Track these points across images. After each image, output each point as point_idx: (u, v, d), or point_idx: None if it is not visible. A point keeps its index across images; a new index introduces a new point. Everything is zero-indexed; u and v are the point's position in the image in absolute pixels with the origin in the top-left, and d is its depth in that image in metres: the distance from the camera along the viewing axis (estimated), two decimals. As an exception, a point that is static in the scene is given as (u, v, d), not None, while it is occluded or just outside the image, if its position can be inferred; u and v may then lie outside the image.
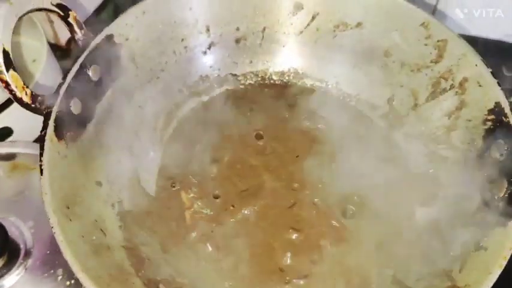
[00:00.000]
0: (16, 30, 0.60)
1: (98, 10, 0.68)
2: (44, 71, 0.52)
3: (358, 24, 0.50)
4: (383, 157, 0.47)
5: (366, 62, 0.51)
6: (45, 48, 0.54)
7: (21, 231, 0.44)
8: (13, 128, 0.53)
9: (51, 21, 0.61)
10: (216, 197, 0.46)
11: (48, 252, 0.43)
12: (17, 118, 0.53)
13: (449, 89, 0.45)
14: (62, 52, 0.61)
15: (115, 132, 0.45)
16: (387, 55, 0.49)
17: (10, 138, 0.53)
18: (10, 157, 0.49)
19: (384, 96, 0.50)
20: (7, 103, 0.53)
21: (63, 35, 0.62)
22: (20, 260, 0.42)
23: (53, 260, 0.42)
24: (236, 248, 0.42)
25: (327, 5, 0.50)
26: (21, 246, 0.43)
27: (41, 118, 0.55)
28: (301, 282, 0.41)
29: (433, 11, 0.59)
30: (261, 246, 0.43)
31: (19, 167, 0.49)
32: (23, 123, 0.53)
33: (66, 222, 0.35)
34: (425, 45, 0.46)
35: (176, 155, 0.48)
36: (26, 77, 0.55)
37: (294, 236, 0.43)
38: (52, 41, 0.62)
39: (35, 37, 0.57)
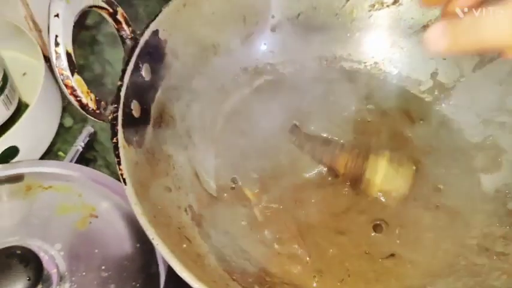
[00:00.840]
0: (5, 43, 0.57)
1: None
2: (44, 84, 0.51)
3: (395, 2, 0.49)
4: (435, 131, 0.47)
5: (404, 39, 0.50)
6: (42, 60, 0.53)
7: (50, 255, 0.41)
8: (19, 147, 0.51)
9: (39, 31, 0.57)
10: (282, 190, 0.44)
11: (83, 273, 0.40)
12: (22, 136, 0.51)
13: (498, 57, 0.46)
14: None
15: (170, 134, 0.42)
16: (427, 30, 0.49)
17: (16, 158, 0.51)
18: (19, 178, 0.47)
19: (427, 71, 0.50)
20: (11, 120, 0.52)
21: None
22: (55, 286, 0.39)
23: (91, 280, 0.40)
24: (319, 243, 0.41)
25: (361, -16, 0.49)
26: (54, 271, 0.40)
27: (45, 135, 0.54)
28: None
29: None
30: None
31: (33, 187, 0.46)
32: (29, 141, 0.52)
33: (161, 232, 0.32)
34: (468, 16, 0.47)
35: (229, 151, 0.46)
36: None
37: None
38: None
39: (23, 50, 0.57)
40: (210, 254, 0.37)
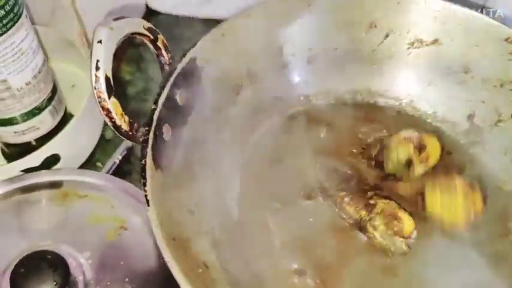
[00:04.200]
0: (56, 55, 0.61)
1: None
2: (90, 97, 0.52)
3: (435, 41, 0.49)
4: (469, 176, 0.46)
5: (442, 79, 0.50)
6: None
7: (78, 262, 0.42)
8: (61, 155, 0.52)
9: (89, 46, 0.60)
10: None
11: (108, 283, 0.42)
12: (64, 145, 0.52)
13: (538, 104, 0.45)
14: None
15: (199, 158, 0.43)
16: (466, 71, 0.49)
17: (57, 166, 0.52)
18: (57, 185, 0.49)
19: (464, 113, 0.49)
20: (54, 131, 0.53)
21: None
22: None
23: None
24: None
25: (401, 22, 0.49)
26: (80, 278, 0.41)
27: (85, 145, 0.55)
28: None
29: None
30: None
31: (69, 195, 0.48)
32: (70, 150, 0.53)
33: (177, 255, 0.33)
34: (510, 60, 0.46)
35: (256, 177, 0.47)
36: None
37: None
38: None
39: (74, 63, 0.58)
40: (226, 281, 0.38)
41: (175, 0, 0.68)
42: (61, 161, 0.52)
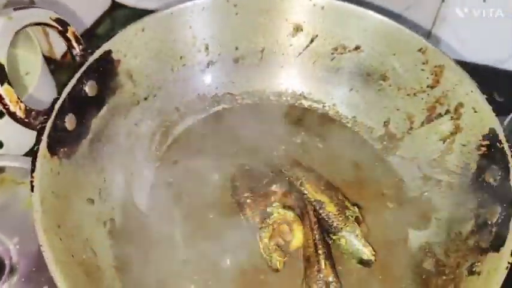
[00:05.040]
0: (11, 43, 0.61)
1: (95, 25, 0.69)
2: (38, 84, 0.52)
3: (357, 48, 0.50)
4: (377, 179, 0.47)
5: (363, 85, 0.51)
6: (40, 61, 0.54)
7: (6, 247, 0.43)
8: (3, 141, 0.53)
9: (46, 34, 0.61)
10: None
11: (34, 269, 0.42)
12: (8, 131, 0.53)
13: (445, 114, 0.45)
14: (56, 65, 0.62)
15: (110, 149, 0.44)
16: (384, 79, 0.49)
17: (1, 151, 0.53)
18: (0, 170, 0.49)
19: (380, 119, 0.50)
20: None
21: (58, 48, 0.62)
22: (5, 277, 0.41)
23: (39, 277, 0.42)
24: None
25: (326, 27, 0.50)
26: (6, 262, 0.42)
27: (32, 132, 0.55)
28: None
29: (428, 35, 0.60)
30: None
31: (6, 181, 0.49)
32: (14, 136, 0.54)
33: (57, 242, 0.34)
34: (422, 70, 0.47)
35: (170, 172, 0.48)
36: (19, 90, 0.55)
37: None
38: (47, 54, 0.62)
39: (29, 50, 0.57)
40: (114, 269, 0.39)
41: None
42: (4, 147, 0.53)
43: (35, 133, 0.54)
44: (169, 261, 0.42)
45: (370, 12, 0.48)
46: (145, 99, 0.48)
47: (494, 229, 0.38)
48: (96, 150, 0.43)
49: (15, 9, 0.37)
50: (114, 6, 0.71)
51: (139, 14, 0.68)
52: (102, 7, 0.70)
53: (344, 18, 0.49)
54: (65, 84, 0.40)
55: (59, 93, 0.40)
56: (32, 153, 0.37)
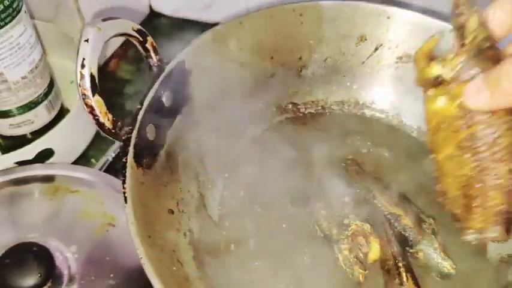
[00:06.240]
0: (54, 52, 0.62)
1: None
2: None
3: (423, 56, 0.50)
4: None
5: (428, 94, 0.51)
6: None
7: (64, 256, 0.43)
8: (55, 149, 0.53)
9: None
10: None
11: (92, 278, 0.42)
12: (59, 140, 0.53)
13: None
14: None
15: (183, 159, 0.44)
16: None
17: (50, 160, 0.53)
18: (50, 179, 0.49)
19: (448, 128, 0.50)
20: (50, 125, 0.55)
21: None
22: (64, 286, 0.41)
23: (98, 286, 0.42)
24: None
25: (390, 36, 0.50)
26: (65, 272, 0.42)
27: (79, 141, 0.56)
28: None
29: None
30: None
31: (60, 190, 0.49)
32: (64, 145, 0.55)
33: (152, 253, 0.34)
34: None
35: (239, 182, 0.48)
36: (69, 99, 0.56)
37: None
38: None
39: (73, 59, 0.58)
40: (200, 280, 0.38)
41: (178, 3, 0.69)
42: (55, 155, 0.53)
43: (82, 142, 0.57)
44: (246, 272, 0.42)
45: (438, 22, 0.48)
46: (213, 110, 0.48)
47: None
48: (172, 160, 0.43)
49: (103, 20, 0.37)
50: (153, 15, 0.72)
51: (177, 23, 0.70)
52: (141, 16, 0.71)
53: (410, 28, 0.49)
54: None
55: (141, 104, 0.40)
56: (122, 164, 0.37)
